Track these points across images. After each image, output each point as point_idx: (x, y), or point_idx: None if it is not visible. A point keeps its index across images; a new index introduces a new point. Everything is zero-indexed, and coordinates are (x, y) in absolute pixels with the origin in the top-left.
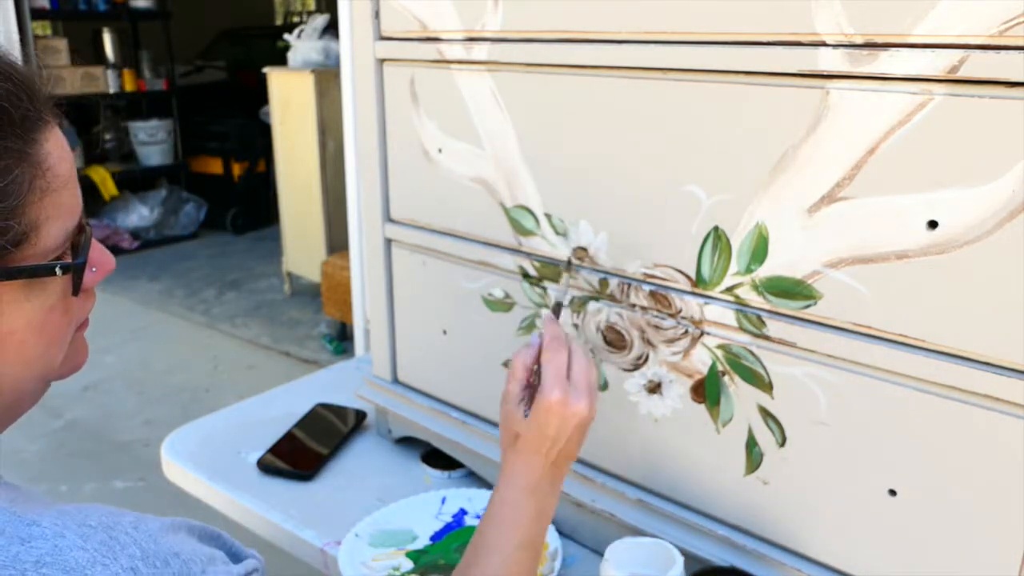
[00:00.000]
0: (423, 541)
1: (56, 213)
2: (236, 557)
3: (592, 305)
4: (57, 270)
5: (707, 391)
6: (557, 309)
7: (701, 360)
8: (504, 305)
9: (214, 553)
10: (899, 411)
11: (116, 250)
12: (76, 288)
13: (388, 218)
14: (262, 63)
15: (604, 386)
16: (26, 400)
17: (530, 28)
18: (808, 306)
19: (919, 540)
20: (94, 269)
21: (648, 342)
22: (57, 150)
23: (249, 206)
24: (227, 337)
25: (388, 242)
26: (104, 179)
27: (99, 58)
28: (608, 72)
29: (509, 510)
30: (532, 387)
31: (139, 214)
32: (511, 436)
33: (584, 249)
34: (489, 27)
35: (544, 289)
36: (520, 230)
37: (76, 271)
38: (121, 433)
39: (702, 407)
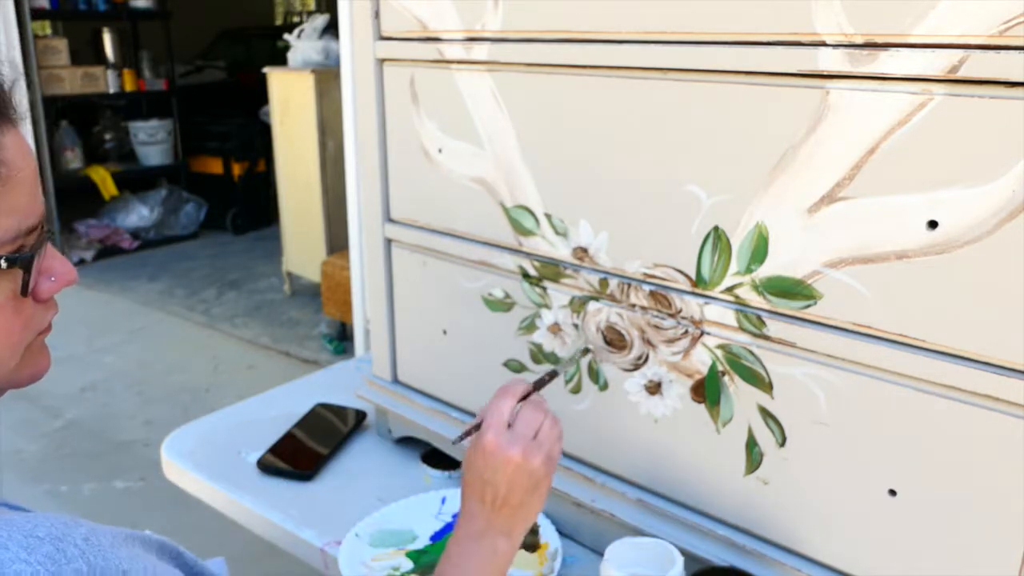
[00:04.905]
0: (423, 541)
1: (6, 208)
2: (199, 574)
3: (592, 305)
4: (2, 262)
5: (707, 391)
6: (552, 375)
7: (701, 360)
8: (504, 305)
9: (168, 570)
10: (899, 411)
11: (116, 250)
12: (25, 288)
13: (388, 218)
14: (262, 63)
15: (604, 386)
16: None
17: (530, 28)
18: (808, 306)
19: (919, 540)
20: (53, 279)
21: (648, 342)
22: (15, 147)
23: (249, 206)
24: (227, 337)
25: (388, 242)
26: (104, 179)
27: (99, 58)
28: (608, 72)
29: (459, 552)
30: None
31: (139, 214)
32: (464, 480)
33: (584, 249)
34: (489, 27)
35: (544, 289)
36: (520, 230)
37: (24, 267)
38: (121, 433)
39: (702, 407)
